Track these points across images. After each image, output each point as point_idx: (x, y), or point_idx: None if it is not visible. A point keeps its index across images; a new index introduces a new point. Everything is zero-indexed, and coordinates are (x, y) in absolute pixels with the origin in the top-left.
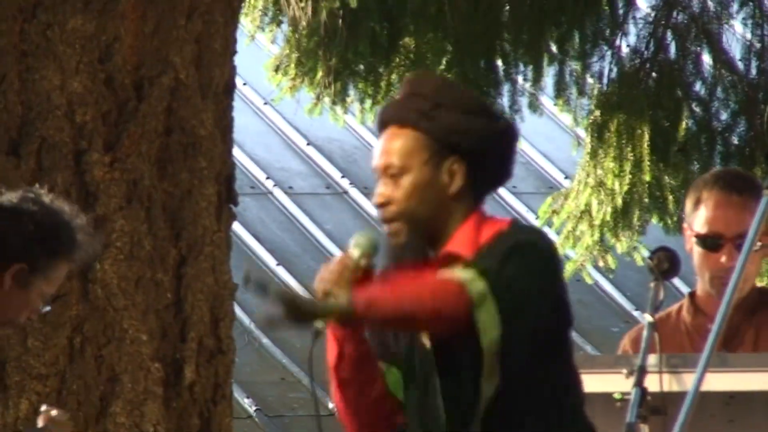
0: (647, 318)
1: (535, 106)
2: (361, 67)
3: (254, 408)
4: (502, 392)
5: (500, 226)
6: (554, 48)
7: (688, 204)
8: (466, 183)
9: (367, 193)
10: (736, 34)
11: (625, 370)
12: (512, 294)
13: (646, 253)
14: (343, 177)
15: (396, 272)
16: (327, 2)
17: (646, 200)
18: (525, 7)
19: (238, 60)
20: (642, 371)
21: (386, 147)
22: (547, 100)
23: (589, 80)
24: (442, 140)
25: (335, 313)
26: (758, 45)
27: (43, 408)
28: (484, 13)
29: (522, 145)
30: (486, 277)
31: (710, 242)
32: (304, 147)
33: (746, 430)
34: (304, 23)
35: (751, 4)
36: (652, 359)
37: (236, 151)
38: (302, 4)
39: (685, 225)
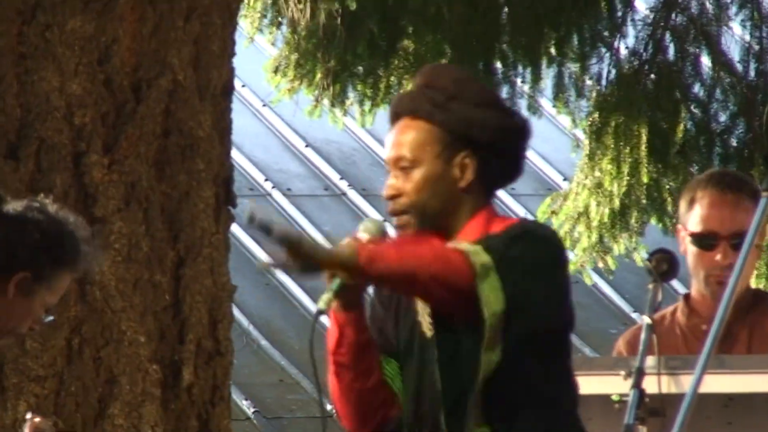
0: (646, 320)
1: (533, 108)
2: (360, 69)
3: (252, 409)
4: (501, 391)
5: (510, 222)
6: (553, 50)
7: (682, 204)
8: (477, 177)
9: (366, 194)
10: (735, 35)
11: (623, 372)
12: (516, 275)
13: (645, 255)
14: (341, 179)
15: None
16: (326, 4)
17: (644, 202)
18: (523, 9)
19: (236, 62)
20: (640, 373)
21: (398, 139)
22: (545, 102)
23: (588, 82)
24: (455, 133)
25: (338, 261)
26: (757, 47)
27: (28, 416)
28: (483, 15)
29: None
30: (491, 254)
31: (705, 240)
32: (303, 149)
33: None
34: (302, 25)
35: (749, 5)
36: (651, 361)
37: (235, 153)
38: (301, 6)
39: (679, 226)
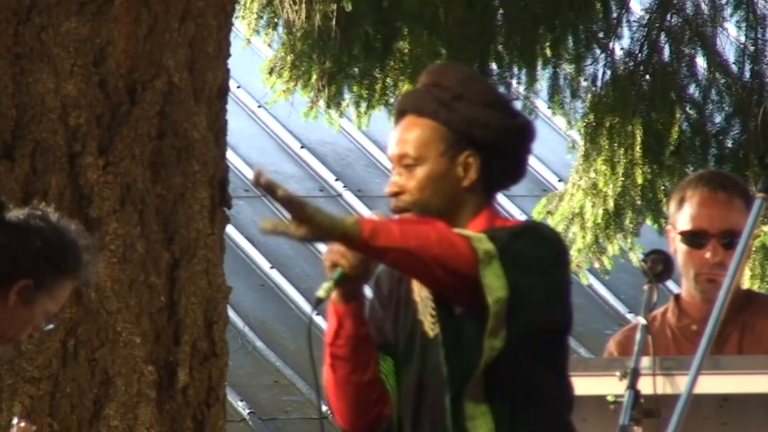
0: (641, 320)
1: (528, 109)
2: (356, 70)
3: (248, 411)
4: (501, 391)
5: (513, 222)
6: (548, 51)
7: (672, 205)
8: (480, 177)
9: (361, 195)
10: (730, 36)
11: (618, 373)
12: (519, 270)
13: (641, 256)
14: (336, 180)
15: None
16: (321, 5)
17: (639, 203)
18: (519, 11)
19: (232, 63)
20: (635, 374)
21: (402, 136)
22: (541, 103)
23: (583, 83)
24: (459, 132)
25: (341, 230)
26: (752, 48)
27: (14, 421)
28: (479, 17)
29: None
30: (495, 243)
31: (694, 238)
32: (298, 150)
33: None
34: (298, 26)
35: (744, 6)
36: (646, 362)
37: (230, 154)
38: (296, 7)
39: (669, 227)
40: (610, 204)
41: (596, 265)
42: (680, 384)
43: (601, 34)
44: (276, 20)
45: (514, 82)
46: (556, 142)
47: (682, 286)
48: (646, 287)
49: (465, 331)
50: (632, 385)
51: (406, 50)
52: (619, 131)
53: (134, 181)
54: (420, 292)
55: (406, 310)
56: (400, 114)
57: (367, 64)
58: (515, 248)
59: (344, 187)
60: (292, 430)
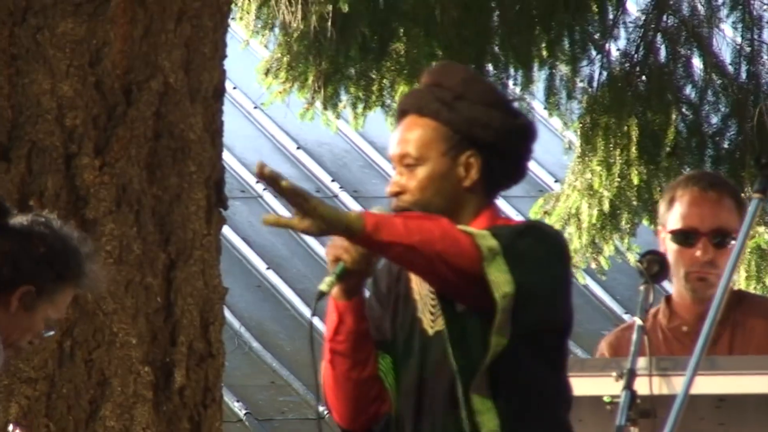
0: (637, 321)
1: (525, 110)
2: (352, 71)
3: (244, 412)
4: (504, 388)
5: (515, 221)
6: (544, 52)
7: (662, 205)
8: (482, 177)
9: (357, 196)
10: (727, 37)
11: (614, 373)
12: (522, 267)
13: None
14: (333, 181)
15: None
16: (318, 6)
17: (635, 203)
18: (515, 12)
19: (228, 64)
20: (631, 374)
21: (404, 136)
22: (537, 104)
23: (579, 84)
24: (461, 132)
25: (344, 222)
26: (748, 49)
27: (10, 428)
28: (475, 18)
29: None
30: (498, 240)
31: (685, 237)
32: (294, 151)
33: None
34: (294, 27)
35: (740, 7)
36: (642, 362)
37: (226, 155)
38: (293, 9)
39: (659, 228)
40: (606, 205)
41: (592, 265)
42: (676, 384)
43: (597, 35)
44: (272, 21)
45: (510, 83)
46: (553, 143)
47: (673, 287)
48: (642, 288)
49: (468, 327)
50: (628, 386)
51: (403, 51)
52: (615, 132)
53: (130, 181)
54: (419, 290)
55: (405, 308)
56: (401, 114)
57: (364, 65)
58: (519, 246)
59: (340, 188)
60: (289, 431)
